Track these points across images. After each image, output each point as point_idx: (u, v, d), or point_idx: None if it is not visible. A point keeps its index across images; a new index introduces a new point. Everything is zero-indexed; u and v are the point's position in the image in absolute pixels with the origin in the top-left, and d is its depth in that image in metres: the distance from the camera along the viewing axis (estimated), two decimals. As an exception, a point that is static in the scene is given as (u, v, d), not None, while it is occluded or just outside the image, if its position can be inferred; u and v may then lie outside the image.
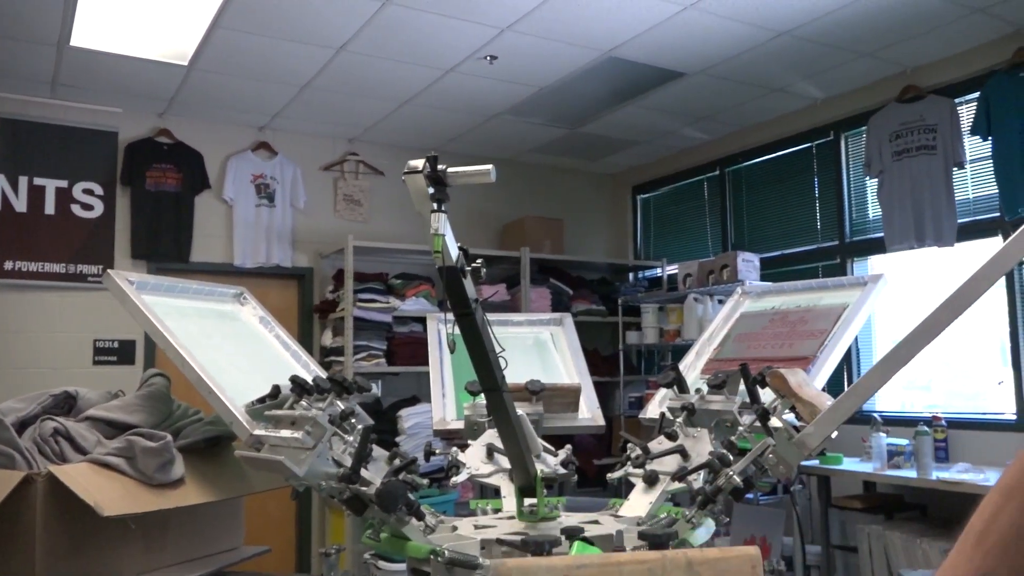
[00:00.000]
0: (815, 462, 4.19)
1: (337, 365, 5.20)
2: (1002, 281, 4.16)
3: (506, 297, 5.80)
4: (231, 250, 5.43)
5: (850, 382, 4.73)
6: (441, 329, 2.83)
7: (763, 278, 5.10)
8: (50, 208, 4.91)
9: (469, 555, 1.64)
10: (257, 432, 1.79)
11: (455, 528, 1.89)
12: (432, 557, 1.62)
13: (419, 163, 1.48)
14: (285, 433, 1.71)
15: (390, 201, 5.97)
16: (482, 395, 2.29)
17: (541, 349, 2.93)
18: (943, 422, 4.09)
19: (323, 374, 2.35)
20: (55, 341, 4.88)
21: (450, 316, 1.67)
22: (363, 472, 1.69)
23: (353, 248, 5.24)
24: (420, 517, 1.72)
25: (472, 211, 6.13)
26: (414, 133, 5.71)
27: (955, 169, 4.39)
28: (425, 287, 5.54)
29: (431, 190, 1.46)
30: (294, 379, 1.84)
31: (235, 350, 2.30)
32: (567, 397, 2.52)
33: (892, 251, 4.60)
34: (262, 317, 2.52)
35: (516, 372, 2.28)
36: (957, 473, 3.64)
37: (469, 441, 2.30)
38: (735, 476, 1.70)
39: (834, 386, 4.04)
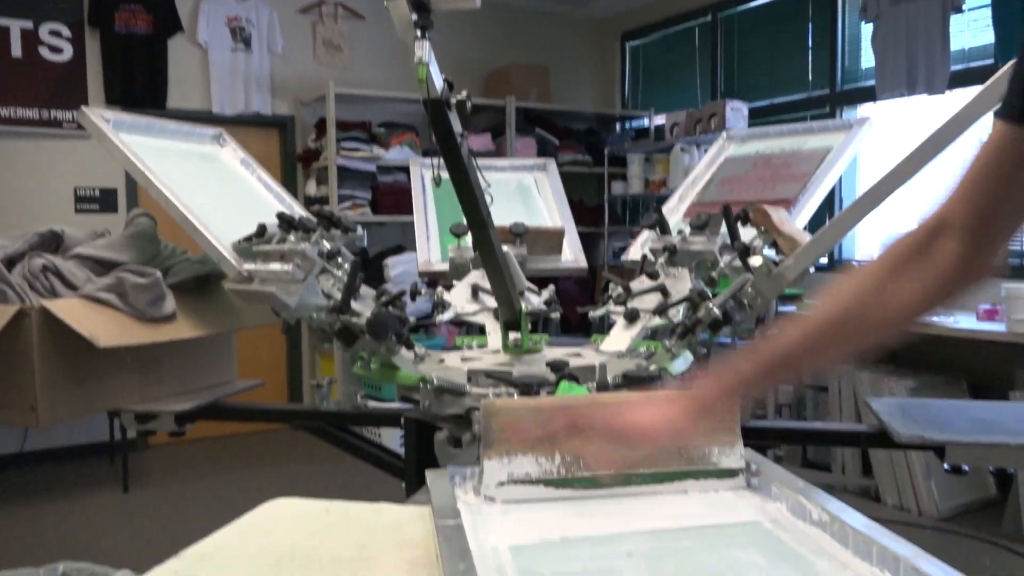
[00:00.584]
0: (792, 307, 4.31)
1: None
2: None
3: (491, 146, 5.73)
4: (208, 97, 5.29)
5: (831, 232, 4.79)
6: (424, 173, 2.82)
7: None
8: (17, 51, 4.71)
9: (456, 383, 1.72)
10: (247, 267, 1.81)
11: (442, 360, 1.95)
12: (421, 384, 1.69)
13: (401, -12, 1.42)
14: (275, 266, 1.74)
15: (372, 47, 5.76)
16: (467, 237, 2.32)
17: (525, 194, 2.94)
18: (919, 270, 4.18)
19: (308, 215, 2.36)
20: (34, 189, 4.81)
21: (435, 160, 1.66)
22: (353, 304, 1.73)
23: (335, 95, 5.11)
24: (410, 347, 1.77)
25: (456, 58, 5.94)
26: (395, -28, 5.43)
27: (952, 14, 4.26)
28: (409, 136, 5.45)
29: (414, 16, 1.42)
30: (281, 215, 1.85)
31: (217, 191, 2.29)
32: (550, 240, 2.55)
33: (883, 99, 4.54)
34: (243, 159, 2.50)
35: (500, 216, 2.29)
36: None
37: (454, 282, 2.35)
38: (714, 309, 1.76)
39: (815, 228, 4.11)
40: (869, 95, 4.68)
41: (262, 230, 1.94)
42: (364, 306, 1.83)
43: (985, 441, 1.59)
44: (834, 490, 4.07)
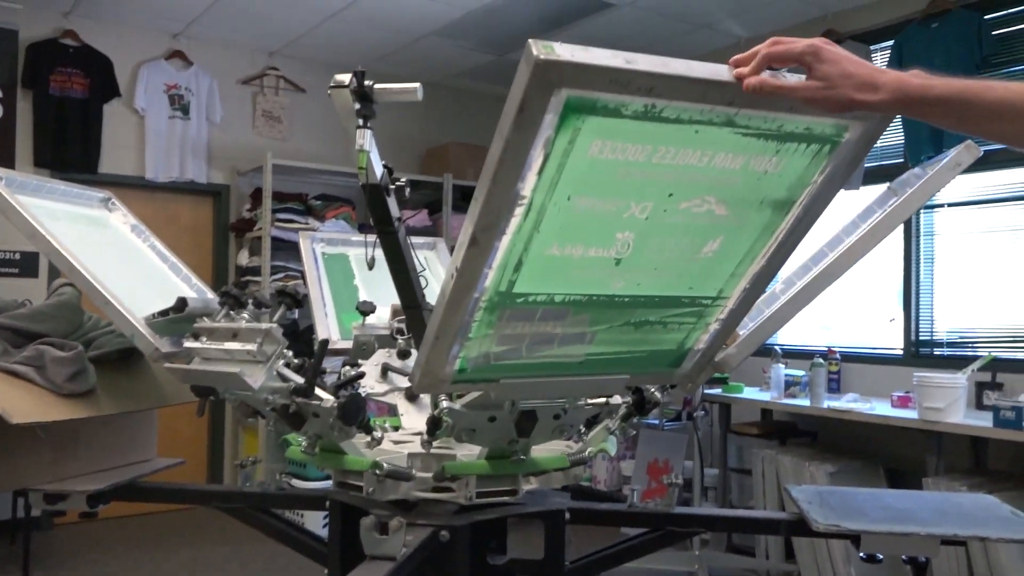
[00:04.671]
0: (718, 390, 4.40)
1: (254, 285, 5.13)
2: (901, 229, 4.40)
3: (428, 222, 5.79)
4: (143, 163, 5.23)
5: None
6: (315, 247, 2.81)
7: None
8: (-57, 109, 4.61)
9: (404, 468, 1.70)
10: (189, 344, 1.77)
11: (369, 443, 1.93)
12: (372, 470, 1.67)
13: (345, 77, 1.47)
14: (232, 346, 1.68)
15: (311, 120, 5.82)
16: (371, 316, 2.29)
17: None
18: (837, 356, 4.35)
19: (205, 289, 2.32)
20: (-50, 250, 4.64)
21: (368, 239, 1.68)
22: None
23: (272, 166, 5.12)
24: (369, 431, 1.75)
25: (395, 134, 6.04)
26: (338, 50, 5.55)
27: (866, 116, 4.55)
28: (345, 209, 5.47)
29: (357, 106, 1.46)
30: (226, 292, 1.81)
31: (113, 259, 2.15)
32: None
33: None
34: (134, 225, 2.39)
35: (387, 294, 2.25)
36: (846, 403, 3.89)
37: (360, 361, 2.29)
38: (655, 392, 1.81)
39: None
40: (790, 188, 4.91)
41: (182, 305, 1.89)
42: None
43: (898, 531, 1.64)
44: (757, 575, 4.10)
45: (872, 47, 4.58)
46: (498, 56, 5.67)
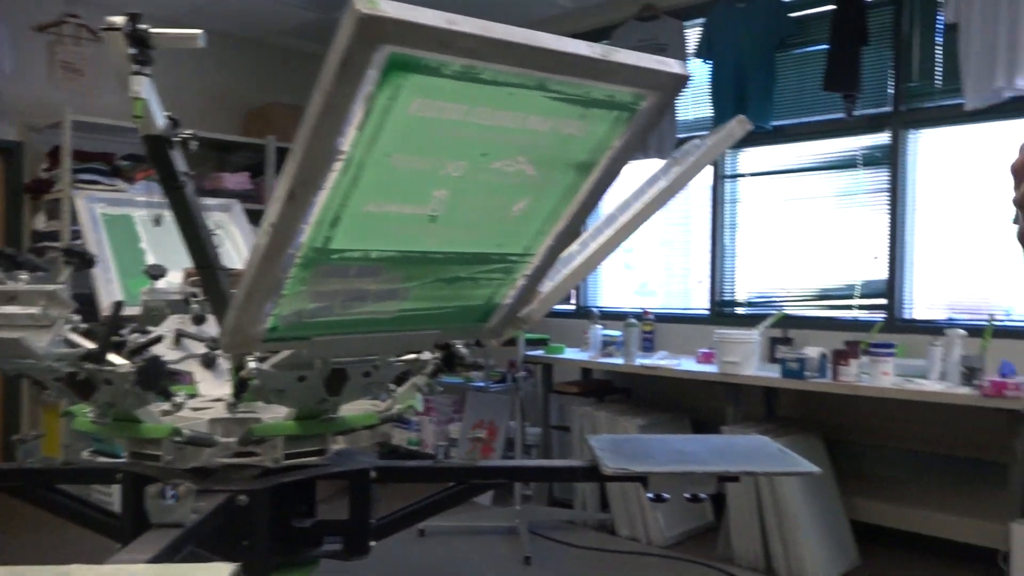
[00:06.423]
0: (541, 352, 4.54)
1: (53, 251, 4.74)
2: (709, 197, 4.69)
3: (249, 186, 5.56)
4: (-84, 115, 4.69)
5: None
6: (93, 207, 2.66)
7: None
8: None
9: (206, 434, 1.64)
10: None
11: (166, 411, 1.85)
12: (171, 438, 1.59)
13: (120, 19, 1.37)
14: (11, 309, 1.54)
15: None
16: (161, 280, 2.19)
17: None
18: (652, 316, 4.59)
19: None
20: None
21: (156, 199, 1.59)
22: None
23: (72, 123, 4.72)
24: (168, 397, 1.66)
25: (214, 93, 5.73)
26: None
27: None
28: (158, 170, 5.15)
29: (132, 50, 1.37)
30: (1, 252, 1.67)
31: None
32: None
33: (621, 161, 4.97)
34: None
35: (179, 258, 2.13)
36: (656, 360, 4.13)
37: (150, 328, 2.20)
38: (461, 348, 1.84)
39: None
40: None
41: (-53, 267, 1.72)
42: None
43: (679, 470, 1.77)
44: (575, 525, 4.30)
45: (685, 23, 4.81)
46: (323, 14, 5.49)
